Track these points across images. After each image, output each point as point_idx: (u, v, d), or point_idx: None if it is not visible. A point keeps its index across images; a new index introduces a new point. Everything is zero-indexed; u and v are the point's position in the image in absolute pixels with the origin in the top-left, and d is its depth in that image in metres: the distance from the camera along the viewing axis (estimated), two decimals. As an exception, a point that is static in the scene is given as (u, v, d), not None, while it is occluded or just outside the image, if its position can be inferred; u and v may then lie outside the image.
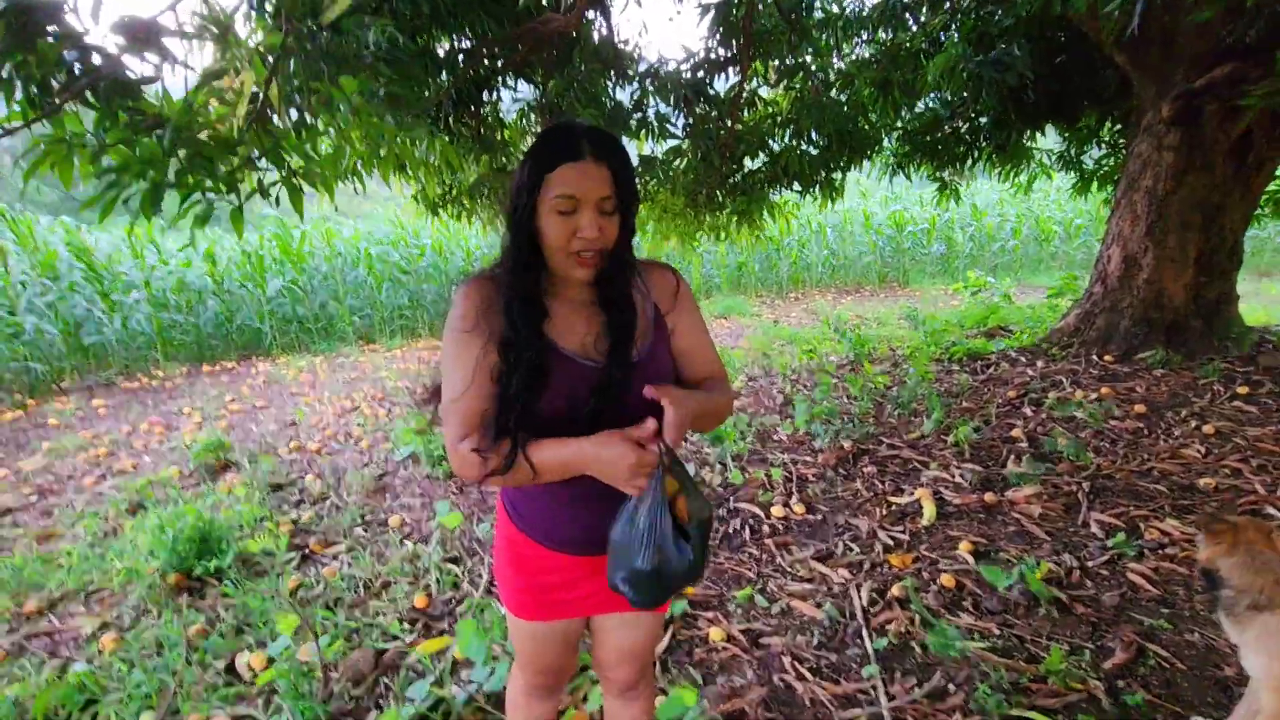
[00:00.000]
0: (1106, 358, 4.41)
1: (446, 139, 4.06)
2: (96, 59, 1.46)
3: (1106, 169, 5.78)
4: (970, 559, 2.37)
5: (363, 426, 4.51)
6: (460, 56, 4.01)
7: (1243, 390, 3.67)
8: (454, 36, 3.88)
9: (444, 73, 3.87)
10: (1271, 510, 2.51)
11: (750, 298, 10.10)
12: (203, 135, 1.65)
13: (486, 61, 4.09)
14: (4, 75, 1.33)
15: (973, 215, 11.09)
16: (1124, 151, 5.47)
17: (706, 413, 1.10)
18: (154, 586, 2.40)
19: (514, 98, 4.57)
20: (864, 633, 2.03)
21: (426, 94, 3.65)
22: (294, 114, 1.78)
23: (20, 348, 5.92)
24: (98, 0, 1.53)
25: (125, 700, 1.84)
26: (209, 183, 1.60)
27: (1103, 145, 5.73)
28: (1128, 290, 4.53)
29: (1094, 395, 3.81)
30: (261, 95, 1.66)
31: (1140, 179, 4.37)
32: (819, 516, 2.81)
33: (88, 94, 1.43)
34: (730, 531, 2.74)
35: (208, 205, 1.65)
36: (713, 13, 4.39)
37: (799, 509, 2.85)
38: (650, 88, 4.54)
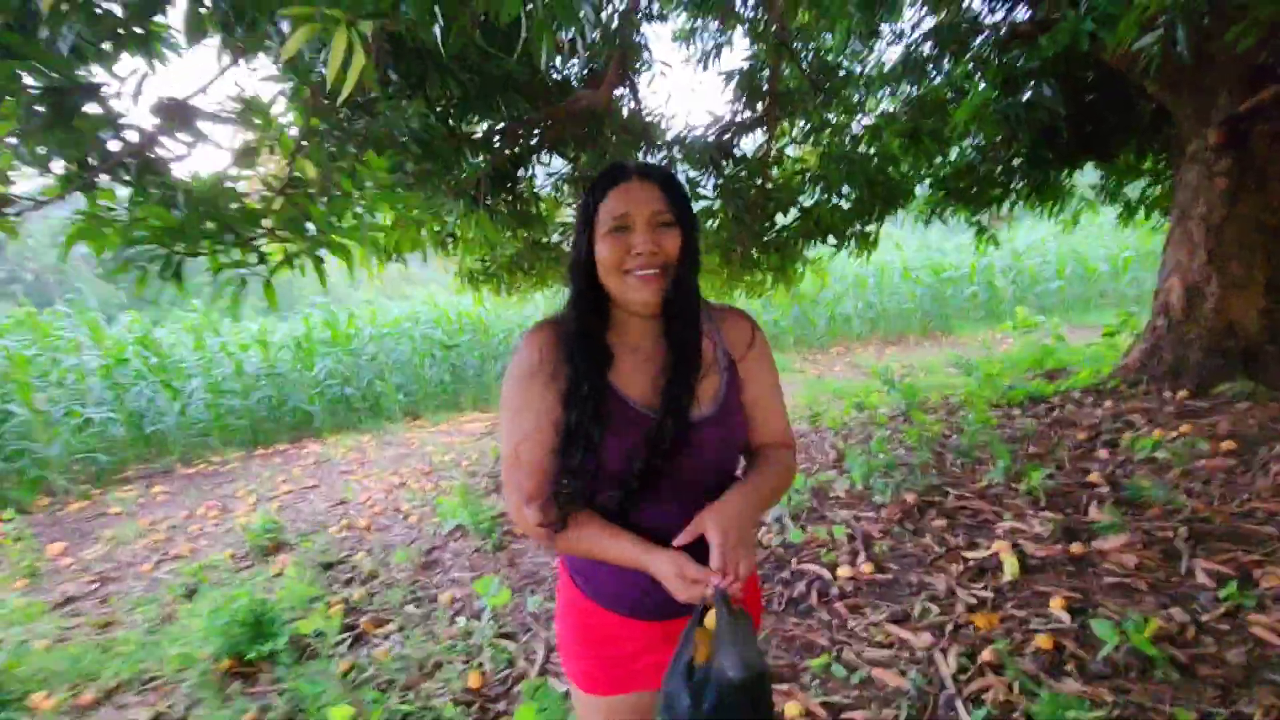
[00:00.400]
0: (1181, 393, 4.15)
1: (485, 215, 4.21)
2: (132, 136, 1.53)
3: (1150, 199, 5.62)
4: (1066, 616, 2.16)
5: (411, 502, 4.49)
6: (496, 138, 4.19)
7: (1341, 419, 3.40)
8: (489, 118, 4.07)
9: (480, 153, 4.04)
10: (1405, 549, 2.26)
11: (790, 354, 9.98)
12: (233, 207, 1.71)
13: (521, 140, 4.26)
14: (41, 151, 1.41)
15: (1013, 259, 10.90)
16: (1167, 181, 5.34)
17: (765, 509, 1.03)
18: (207, 673, 2.35)
19: (548, 172, 4.74)
20: (958, 703, 1.84)
21: (460, 173, 3.80)
22: (321, 185, 1.84)
23: (89, 439, 6.16)
24: (139, 83, 1.63)
25: (177, 797, 1.77)
26: (236, 254, 1.64)
27: (1144, 177, 5.60)
28: (1194, 321, 4.31)
29: (1174, 433, 3.56)
30: (289, 170, 1.73)
31: (1192, 207, 4.23)
32: (890, 575, 2.64)
33: (121, 171, 1.50)
34: (796, 595, 2.57)
35: (240, 279, 1.70)
36: (736, 78, 4.53)
37: (867, 568, 2.68)
38: (678, 155, 4.66)
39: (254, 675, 2.37)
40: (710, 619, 0.90)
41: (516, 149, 4.30)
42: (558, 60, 4.30)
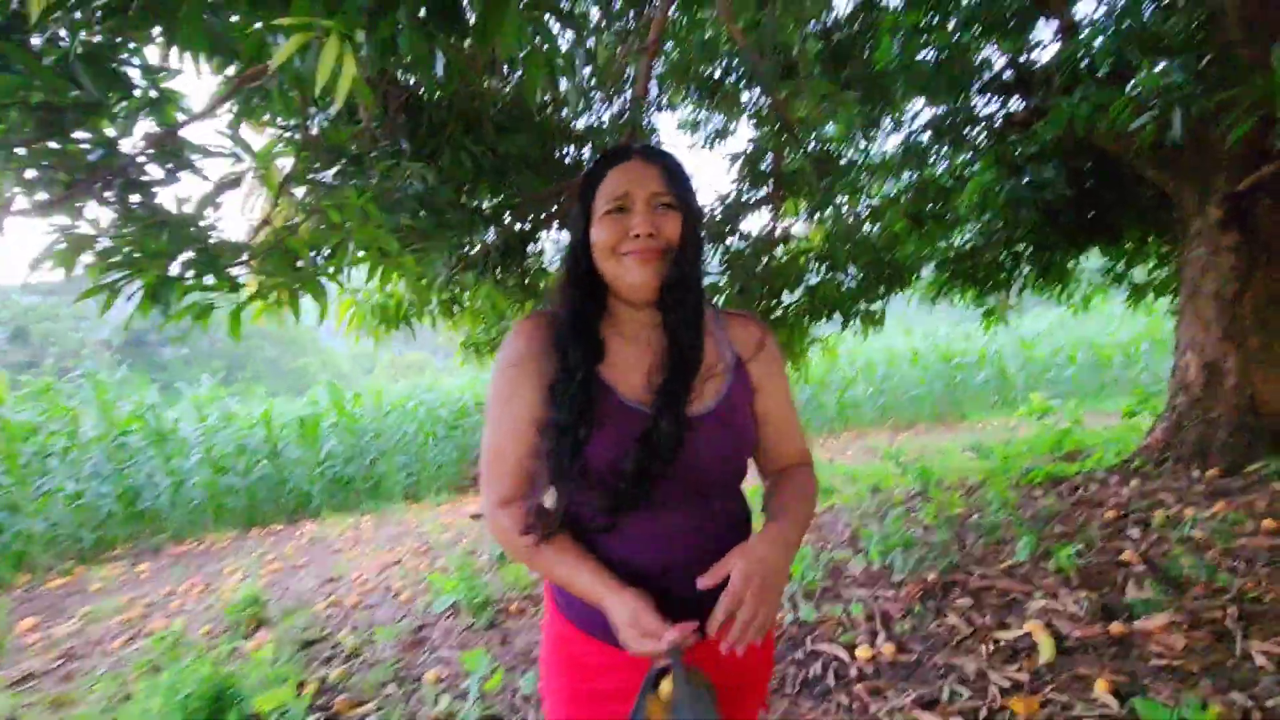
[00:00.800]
0: (1210, 472, 3.97)
1: (493, 286, 4.25)
2: (120, 159, 1.54)
3: (1159, 281, 5.64)
4: (1113, 700, 1.94)
5: (403, 580, 4.27)
6: (506, 213, 4.31)
7: (1388, 498, 3.20)
8: (500, 194, 4.19)
9: (490, 226, 4.13)
10: None
11: (801, 439, 9.80)
12: (212, 239, 1.69)
13: (531, 216, 4.37)
14: (28, 176, 1.40)
15: (1022, 345, 10.86)
16: (1173, 263, 5.36)
17: (797, 551, 0.96)
18: (161, 753, 2.13)
19: (557, 247, 4.84)
20: (998, 797, 1.61)
21: (469, 246, 3.87)
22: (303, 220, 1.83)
23: (78, 513, 6.01)
24: (134, 113, 1.65)
25: None
26: (211, 280, 1.61)
27: (1150, 259, 5.64)
28: (1216, 398, 4.19)
29: (1208, 512, 3.36)
30: (274, 205, 1.74)
31: (1202, 284, 4.21)
32: (913, 656, 2.41)
33: (105, 191, 1.50)
34: (811, 677, 2.35)
35: (207, 304, 1.66)
36: (741, 160, 4.69)
37: (888, 649, 2.46)
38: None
39: (212, 757, 2.15)
40: (667, 686, 0.78)
41: (527, 224, 4.41)
42: (570, 147, 4.49)
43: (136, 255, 1.47)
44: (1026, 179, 4.50)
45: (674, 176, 0.92)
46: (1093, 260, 5.93)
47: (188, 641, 3.33)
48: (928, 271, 5.74)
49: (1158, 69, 3.06)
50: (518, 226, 4.30)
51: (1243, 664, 2.09)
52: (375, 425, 8.70)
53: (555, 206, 4.30)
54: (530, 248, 4.61)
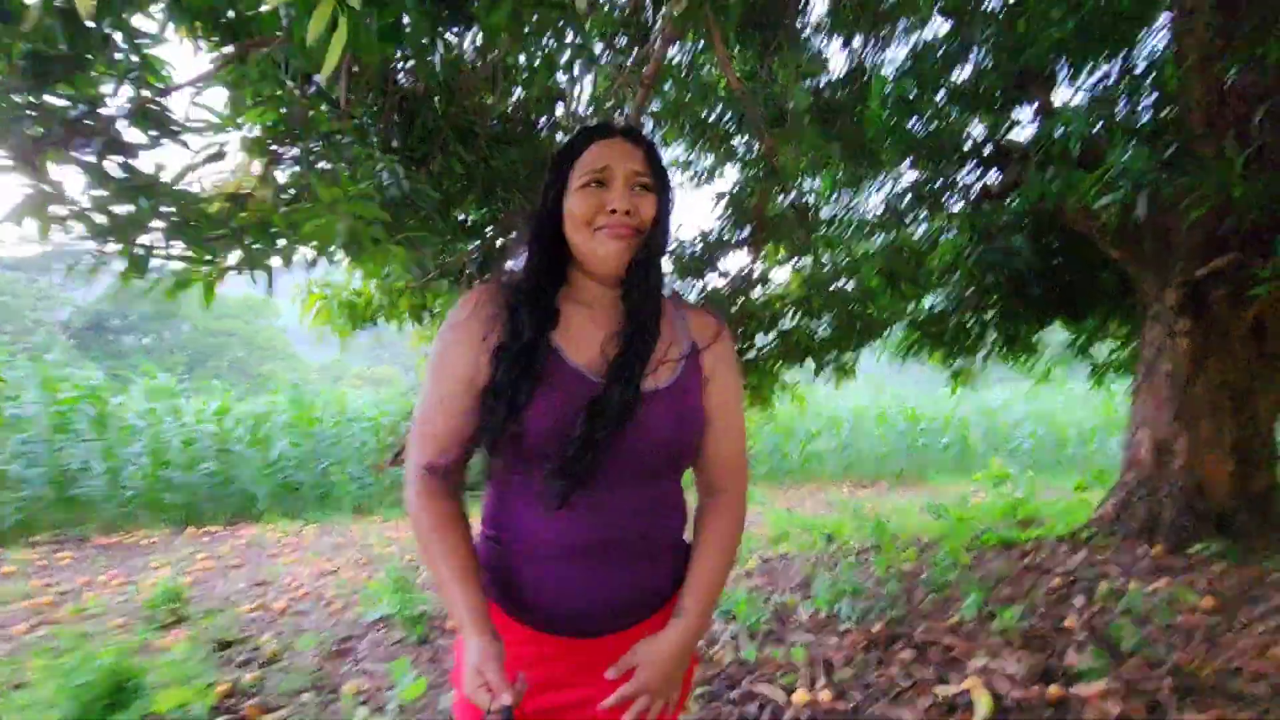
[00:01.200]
0: (1156, 549, 4.02)
1: (468, 297, 4.19)
2: (101, 119, 1.50)
3: (1120, 361, 5.81)
4: (1044, 762, 1.91)
5: (338, 590, 4.10)
6: (489, 227, 4.31)
7: (1321, 588, 3.27)
8: (485, 208, 4.20)
9: (472, 238, 4.12)
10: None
11: (761, 486, 9.77)
12: (189, 209, 1.64)
13: (514, 230, 4.37)
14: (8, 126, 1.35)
15: (985, 414, 11.07)
16: (1134, 343, 5.54)
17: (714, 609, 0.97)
18: (45, 744, 1.97)
19: (534, 268, 4.83)
20: None
21: (448, 255, 3.85)
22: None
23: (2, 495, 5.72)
24: (120, 80, 1.62)
25: None
26: (191, 253, 1.57)
27: (1111, 339, 5.83)
28: (1164, 477, 4.28)
29: (1151, 587, 3.40)
30: (259, 178, 1.70)
31: (1158, 363, 4.34)
32: (850, 705, 2.36)
33: (83, 152, 1.45)
34: (744, 717, 2.28)
35: (186, 275, 1.61)
36: (726, 199, 4.78)
37: (826, 695, 2.40)
38: (669, 265, 4.80)
39: (100, 752, 2.00)
40: None
41: (508, 240, 4.41)
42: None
43: (114, 221, 1.43)
44: (997, 244, 4.64)
45: (654, 160, 0.93)
46: (1057, 334, 6.11)
47: (96, 632, 3.14)
48: (899, 329, 5.86)
49: (1126, 154, 3.21)
50: (499, 241, 4.30)
51: (1175, 736, 2.08)
52: (335, 432, 8.47)
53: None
54: (510, 264, 4.61)
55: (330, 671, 2.76)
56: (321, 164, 1.84)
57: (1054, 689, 2.37)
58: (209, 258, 1.62)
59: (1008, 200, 4.83)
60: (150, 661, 2.60)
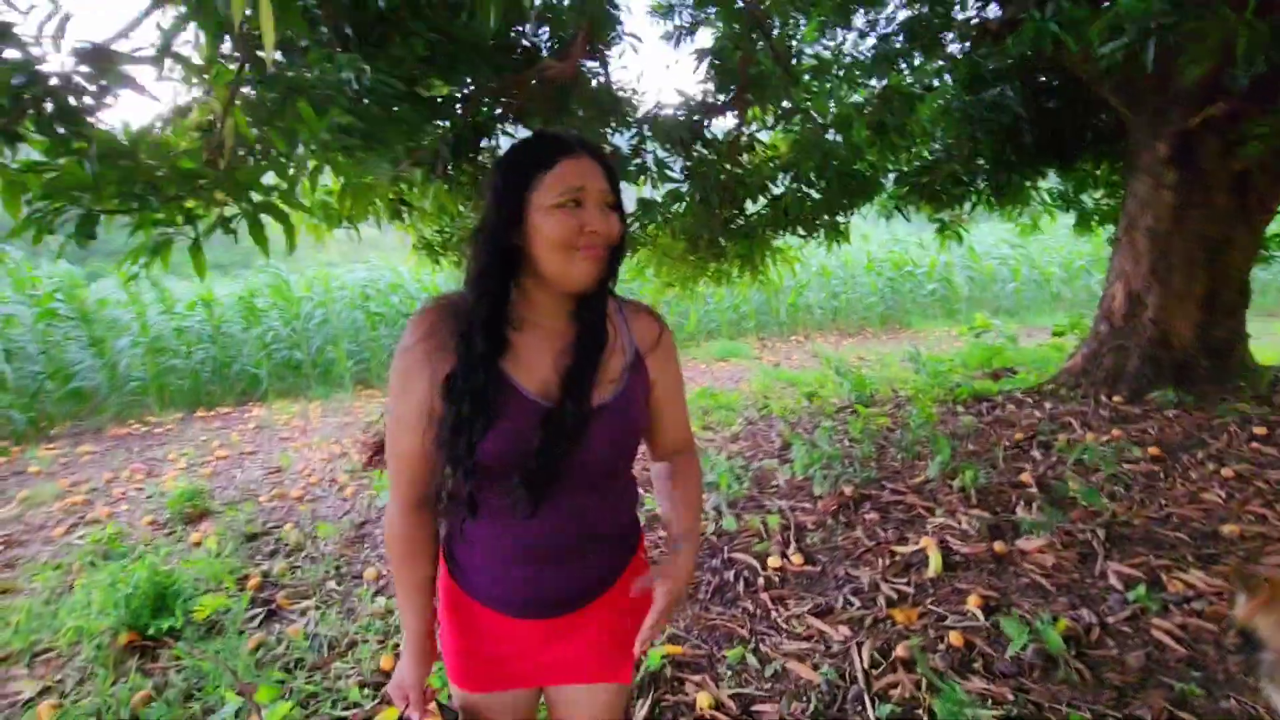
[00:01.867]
0: (1116, 399, 4.26)
1: (444, 185, 4.05)
2: (50, 80, 1.40)
3: (1106, 208, 5.73)
4: (981, 615, 2.20)
5: (349, 473, 4.37)
6: (457, 104, 4.03)
7: (1260, 431, 3.52)
8: (452, 82, 3.90)
9: (441, 119, 3.88)
10: (1303, 560, 2.34)
11: (750, 341, 10.01)
12: (161, 170, 1.58)
13: (485, 108, 4.10)
14: None
15: (971, 258, 11.07)
16: (1122, 192, 5.44)
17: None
18: (103, 647, 2.24)
19: (512, 143, 4.59)
20: (865, 699, 1.85)
21: (420, 139, 3.65)
22: (257, 147, 1.72)
23: (4, 393, 5.85)
24: (61, 24, 1.49)
25: (50, 777, 1.68)
26: (161, 214, 1.52)
27: (1101, 187, 5.70)
28: (1134, 329, 4.42)
29: (1105, 438, 3.65)
30: (220, 126, 1.60)
31: (1140, 218, 4.31)
32: (818, 568, 2.65)
33: (35, 117, 1.37)
34: (723, 583, 2.57)
35: (165, 236, 1.57)
36: (709, 58, 4.43)
37: (797, 559, 2.68)
38: (648, 133, 4.56)
39: (155, 650, 2.27)
40: None
41: (479, 117, 4.15)
42: (527, 26, 4.16)
43: (66, 187, 1.36)
44: (987, 95, 4.40)
45: (614, 178, 0.92)
46: (1045, 182, 5.96)
47: (130, 532, 3.41)
48: (888, 184, 5.70)
49: (1132, -3, 2.95)
50: (469, 119, 4.05)
51: (1098, 582, 2.37)
52: (323, 310, 8.50)
53: (511, 98, 4.05)
54: (484, 143, 4.38)
55: (350, 558, 3.05)
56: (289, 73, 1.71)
57: (999, 545, 2.64)
58: (183, 221, 1.56)
59: (1004, 40, 4.49)
60: (185, 562, 2.87)
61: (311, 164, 1.90)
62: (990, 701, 1.79)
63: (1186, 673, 1.85)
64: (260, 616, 2.51)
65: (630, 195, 5.13)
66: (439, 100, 3.99)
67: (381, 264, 9.86)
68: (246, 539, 3.27)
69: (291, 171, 1.94)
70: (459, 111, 4.07)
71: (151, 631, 2.28)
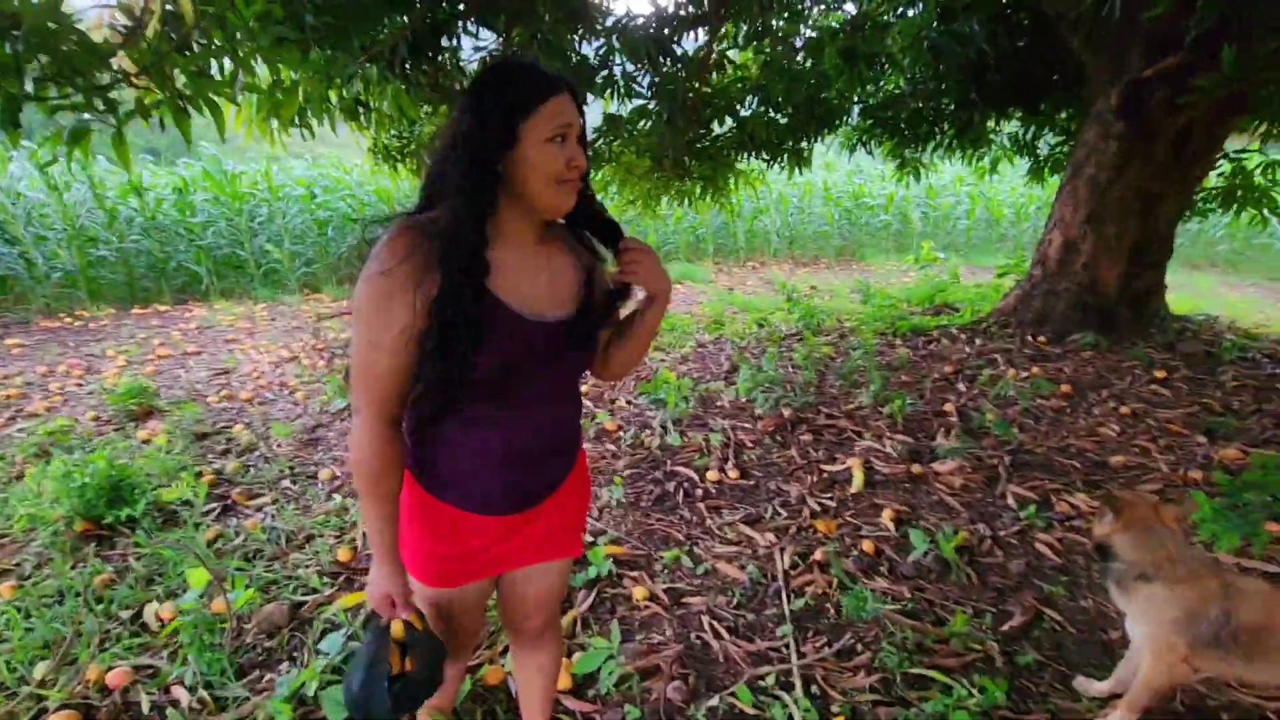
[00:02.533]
0: (1040, 339, 4.56)
1: (401, 86, 3.87)
2: None
3: (1059, 156, 5.89)
4: (891, 526, 2.45)
5: (299, 377, 4.37)
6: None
7: (1160, 375, 3.86)
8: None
9: (397, 11, 3.66)
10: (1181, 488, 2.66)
11: (707, 264, 10.09)
12: (67, 44, 1.48)
13: (446, 4, 3.88)
14: None
15: (928, 195, 11.24)
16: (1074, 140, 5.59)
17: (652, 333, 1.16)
18: (59, 534, 2.29)
19: (475, 45, 4.37)
20: (783, 594, 2.08)
21: (374, 33, 3.45)
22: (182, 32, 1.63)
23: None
24: None
25: (18, 649, 1.76)
26: (79, 99, 1.45)
27: (1059, 131, 5.83)
28: (1065, 275, 4.68)
29: (1025, 374, 3.94)
30: (146, 4, 1.52)
31: (1084, 166, 4.47)
32: (752, 482, 2.86)
33: None
34: (664, 493, 2.76)
35: (82, 124, 1.51)
36: (682, -34, 4.25)
37: (733, 474, 2.89)
38: (616, 44, 4.40)
39: (111, 539, 2.33)
40: (397, 628, 1.09)
41: (440, 14, 3.92)
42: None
43: None
44: (953, 27, 4.39)
45: (583, 114, 1.00)
46: (1008, 126, 6.05)
47: (74, 427, 3.38)
48: (853, 118, 5.70)
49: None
50: (429, 17, 3.83)
51: (998, 502, 2.65)
52: (266, 209, 8.11)
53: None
54: (445, 42, 4.15)
55: (304, 459, 3.12)
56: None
57: (917, 467, 2.90)
58: (102, 107, 1.49)
59: (981, -28, 4.45)
60: (138, 458, 2.89)
61: (242, 54, 1.79)
62: (890, 599, 2.04)
63: (1057, 578, 2.14)
64: (216, 511, 2.58)
65: (596, 109, 5.00)
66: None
67: (328, 163, 9.39)
68: (196, 438, 3.29)
69: (220, 64, 1.84)
70: (417, 6, 3.85)
71: (108, 520, 2.34)
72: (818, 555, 2.26)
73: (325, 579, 2.14)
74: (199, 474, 2.83)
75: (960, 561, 2.19)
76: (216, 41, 1.56)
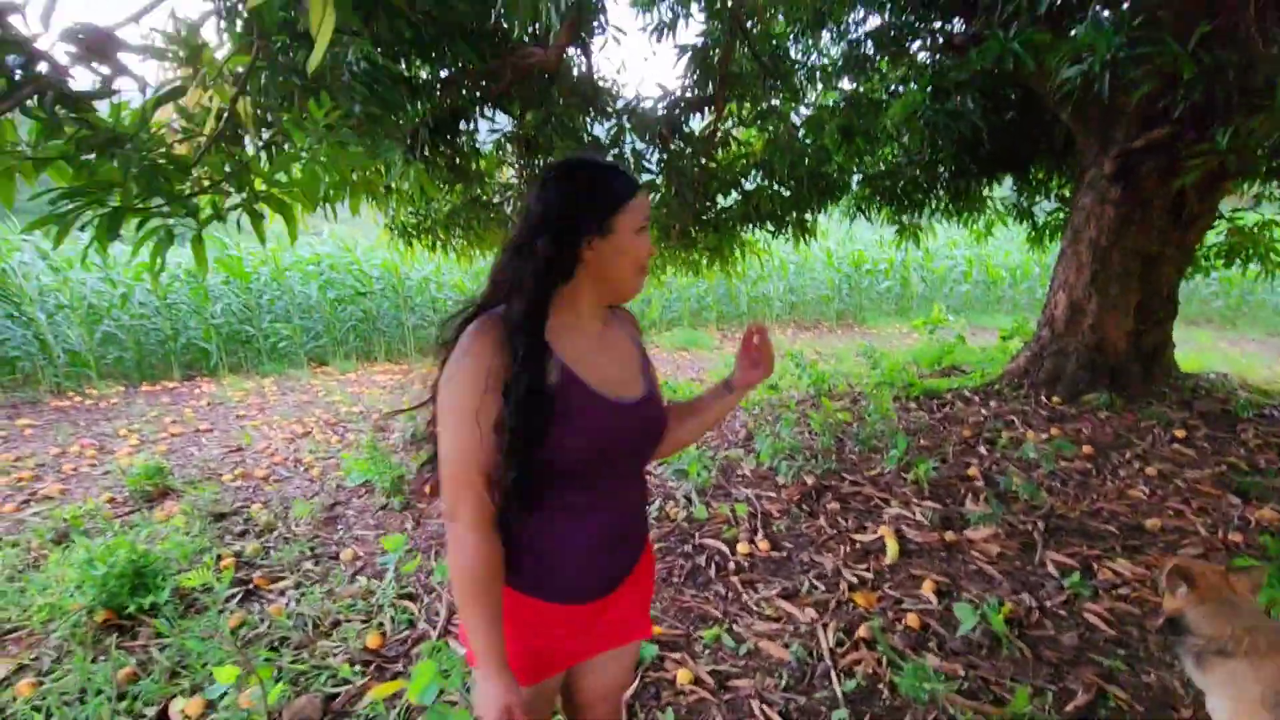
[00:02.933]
0: (1054, 399, 4.57)
1: (422, 167, 4.03)
2: (42, 67, 1.38)
3: (1057, 222, 6.07)
4: (934, 598, 2.38)
5: (314, 453, 4.33)
6: (439, 86, 4.00)
7: (1180, 434, 3.85)
8: (434, 65, 3.87)
9: (421, 100, 3.85)
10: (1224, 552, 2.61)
11: (710, 330, 10.20)
12: (156, 156, 1.56)
13: (465, 91, 4.08)
14: None
15: (925, 259, 11.50)
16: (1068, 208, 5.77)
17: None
18: (80, 625, 2.22)
19: (491, 128, 4.58)
20: (832, 674, 2.01)
21: (399, 120, 3.62)
22: (263, 135, 1.72)
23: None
24: (50, 3, 1.46)
25: (41, 754, 1.68)
26: (165, 207, 1.51)
27: (1052, 198, 6.03)
28: (1073, 335, 4.73)
29: (1044, 436, 3.93)
30: (227, 114, 1.60)
31: (1084, 230, 4.60)
32: (784, 553, 2.80)
33: (30, 103, 1.34)
34: (695, 568, 2.70)
35: (167, 230, 1.56)
36: (690, 53, 4.50)
37: (764, 545, 2.84)
38: (627, 124, 4.61)
39: (133, 629, 2.26)
40: None
41: (459, 100, 4.12)
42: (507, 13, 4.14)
43: (88, 185, 1.34)
44: (948, 105, 4.61)
45: None
46: (1001, 190, 6.27)
47: (88, 510, 3.32)
48: (853, 187, 5.90)
49: (1088, 28, 3.17)
50: (448, 102, 4.02)
51: (1038, 570, 2.59)
52: (276, 286, 8.25)
53: (492, 83, 4.03)
54: (462, 125, 4.35)
55: (325, 539, 3.06)
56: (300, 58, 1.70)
57: (950, 534, 2.85)
58: (184, 213, 1.55)
59: (968, 54, 4.71)
60: (161, 544, 2.83)
61: (310, 155, 1.88)
62: (944, 677, 1.97)
63: (1113, 651, 2.07)
64: (239, 595, 2.51)
65: (606, 185, 5.18)
66: (418, 83, 3.97)
67: (330, 239, 9.59)
68: (214, 519, 3.23)
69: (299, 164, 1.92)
70: (438, 94, 4.05)
71: (130, 610, 2.27)
72: (862, 631, 2.19)
73: (356, 668, 2.06)
74: (219, 558, 2.77)
75: (1010, 635, 2.12)
76: (299, 145, 1.63)
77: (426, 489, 1.06)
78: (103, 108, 1.60)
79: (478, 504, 0.94)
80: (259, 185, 1.64)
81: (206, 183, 1.58)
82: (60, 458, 4.27)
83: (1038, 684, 1.94)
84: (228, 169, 1.61)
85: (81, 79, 1.45)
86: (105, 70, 1.42)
